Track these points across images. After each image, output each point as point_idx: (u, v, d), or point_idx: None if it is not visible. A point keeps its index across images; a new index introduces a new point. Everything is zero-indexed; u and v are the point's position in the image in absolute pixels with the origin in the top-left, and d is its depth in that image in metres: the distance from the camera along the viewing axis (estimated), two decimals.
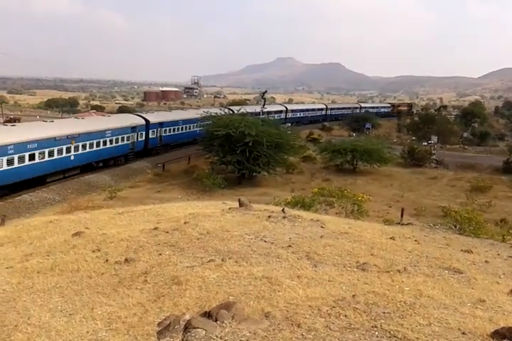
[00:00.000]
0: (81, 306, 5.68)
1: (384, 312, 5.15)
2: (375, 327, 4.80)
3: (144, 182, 35.21)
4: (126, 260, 7.19)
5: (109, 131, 35.24)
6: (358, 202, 20.81)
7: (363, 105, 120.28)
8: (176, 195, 28.26)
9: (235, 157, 33.34)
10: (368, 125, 77.26)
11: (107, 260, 7.33)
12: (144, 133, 42.09)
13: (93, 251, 7.87)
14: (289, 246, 7.72)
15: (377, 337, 4.63)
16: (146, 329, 4.89)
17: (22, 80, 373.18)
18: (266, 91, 68.20)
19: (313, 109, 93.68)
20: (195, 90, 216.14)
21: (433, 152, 49.21)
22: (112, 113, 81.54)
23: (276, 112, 74.58)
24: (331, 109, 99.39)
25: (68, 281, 6.60)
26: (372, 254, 7.75)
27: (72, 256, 7.71)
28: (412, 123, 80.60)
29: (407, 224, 15.65)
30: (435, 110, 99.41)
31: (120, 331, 4.90)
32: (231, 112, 46.43)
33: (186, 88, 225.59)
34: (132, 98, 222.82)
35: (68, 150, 31.27)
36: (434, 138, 55.65)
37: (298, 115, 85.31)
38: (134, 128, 40.56)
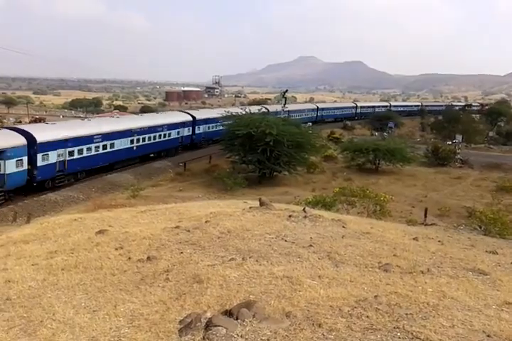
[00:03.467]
0: (104, 303, 5.77)
1: (406, 314, 5.09)
2: (398, 328, 4.74)
3: (166, 181, 35.57)
4: (148, 258, 7.28)
5: (165, 126, 40.09)
6: (380, 202, 20.56)
7: (393, 104, 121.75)
8: (197, 193, 28.44)
9: (256, 156, 33.35)
10: (391, 124, 76.32)
11: (129, 258, 7.43)
12: (190, 128, 47.26)
13: (116, 249, 7.98)
14: (310, 245, 7.69)
15: (399, 338, 4.58)
16: (168, 326, 4.94)
17: (47, 81, 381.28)
18: (287, 90, 68.09)
19: (344, 108, 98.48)
20: (216, 90, 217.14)
21: (457, 151, 48.25)
22: (134, 113, 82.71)
23: (308, 110, 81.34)
24: (361, 107, 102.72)
25: (92, 278, 6.71)
26: (394, 255, 7.65)
27: (95, 254, 7.84)
28: (436, 122, 79.23)
29: (431, 224, 15.43)
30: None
31: (142, 328, 4.96)
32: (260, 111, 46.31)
33: (207, 88, 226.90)
34: (154, 98, 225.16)
35: (132, 141, 37.45)
36: (459, 137, 54.57)
37: (329, 113, 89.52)
38: (183, 124, 46.07)
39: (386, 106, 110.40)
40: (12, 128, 30.13)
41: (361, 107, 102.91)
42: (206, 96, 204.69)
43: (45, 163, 28.52)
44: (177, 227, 9.12)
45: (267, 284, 5.93)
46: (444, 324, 4.85)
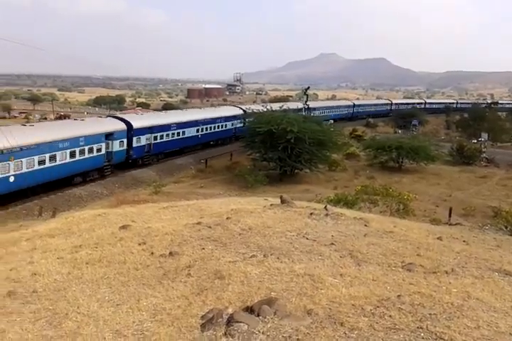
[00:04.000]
0: (127, 297, 5.86)
1: (430, 314, 5.01)
2: (421, 328, 4.68)
3: (188, 177, 35.85)
4: (170, 253, 7.35)
5: (222, 118, 44.75)
6: (403, 201, 20.24)
7: (428, 101, 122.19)
8: (218, 190, 28.57)
9: (277, 154, 33.27)
10: (414, 121, 75.22)
11: (152, 253, 7.52)
12: (242, 120, 49.00)
13: (139, 244, 8.08)
14: (332, 243, 7.64)
15: (422, 338, 4.52)
16: (190, 321, 4.98)
17: (71, 78, 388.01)
18: (308, 87, 67.77)
19: (379, 104, 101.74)
20: (237, 87, 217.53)
21: (483, 150, 47.23)
22: (156, 110, 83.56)
23: (344, 107, 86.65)
24: (396, 104, 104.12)
25: (115, 273, 6.82)
26: (418, 254, 7.54)
27: (119, 249, 7.95)
28: (462, 120, 77.69)
29: (456, 224, 15.14)
30: None
31: (165, 322, 5.02)
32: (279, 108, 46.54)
33: (229, 85, 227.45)
34: (176, 95, 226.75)
35: (197, 130, 44.46)
36: (485, 136, 53.32)
37: (365, 109, 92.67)
38: (235, 117, 50.31)
39: (421, 103, 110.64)
40: (115, 117, 38.72)
41: (396, 104, 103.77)
42: (227, 93, 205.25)
43: (138, 144, 36.26)
44: (199, 223, 9.18)
45: (288, 281, 5.93)
46: (468, 325, 4.77)
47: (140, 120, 37.88)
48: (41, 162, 26.33)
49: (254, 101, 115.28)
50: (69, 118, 73.22)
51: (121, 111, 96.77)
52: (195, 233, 8.51)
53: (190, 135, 43.39)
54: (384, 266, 6.81)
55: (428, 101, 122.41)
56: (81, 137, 29.94)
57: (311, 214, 9.70)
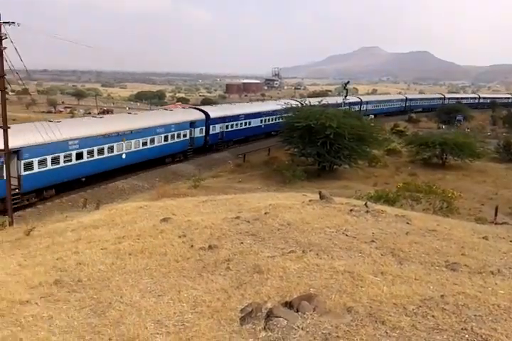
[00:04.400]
0: (168, 288, 5.98)
1: (475, 315, 4.85)
2: (465, 329, 4.54)
3: (226, 172, 36.17)
4: (209, 246, 7.44)
5: (282, 111, 44.90)
6: (447, 199, 19.59)
7: (482, 95, 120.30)
8: (256, 185, 28.62)
9: (315, 149, 32.93)
10: (459, 117, 72.83)
11: (192, 245, 7.63)
12: None
13: (179, 237, 8.22)
14: (372, 241, 7.51)
15: (467, 340, 4.38)
16: (229, 314, 5.03)
17: (114, 74, 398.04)
18: (348, 81, 66.75)
19: (431, 99, 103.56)
20: (275, 82, 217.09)
21: None
22: (196, 104, 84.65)
23: (397, 101, 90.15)
24: (449, 98, 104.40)
25: (157, 264, 6.97)
26: (462, 254, 7.30)
27: (160, 241, 8.11)
28: (509, 116, 74.43)
29: (502, 223, 14.61)
30: None
31: (205, 314, 5.09)
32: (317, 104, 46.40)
33: (267, 80, 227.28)
34: (215, 90, 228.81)
35: (261, 121, 49.92)
36: None
37: (417, 103, 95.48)
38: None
39: (475, 98, 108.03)
40: (196, 108, 46.25)
41: (449, 99, 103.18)
42: (266, 88, 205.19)
43: (213, 132, 42.47)
44: (237, 218, 9.24)
45: (327, 278, 5.88)
46: None
47: (215, 111, 43.98)
48: (144, 143, 33.24)
49: (293, 96, 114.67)
50: (112, 113, 75.27)
51: (161, 106, 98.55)
52: (234, 227, 8.57)
53: (256, 125, 48.65)
54: (427, 265, 6.64)
55: (482, 95, 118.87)
56: (172, 124, 36.51)
57: (351, 210, 9.56)
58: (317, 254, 6.79)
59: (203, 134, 41.06)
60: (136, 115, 37.43)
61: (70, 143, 26.84)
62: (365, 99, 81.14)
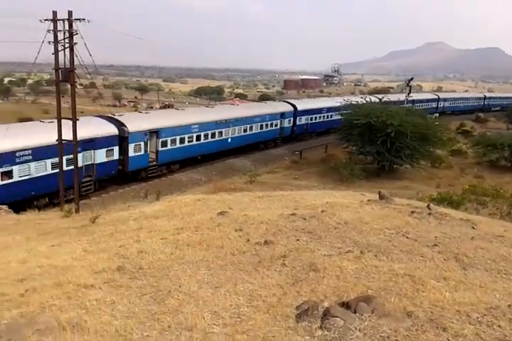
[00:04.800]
0: (225, 280, 6.07)
1: None
2: None
3: (282, 168, 36.19)
4: (265, 242, 7.47)
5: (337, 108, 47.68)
6: None
7: None
8: (312, 183, 28.40)
9: (375, 147, 32.13)
10: None
11: (248, 240, 7.70)
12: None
13: (236, 231, 8.32)
14: (435, 245, 7.22)
15: None
16: (285, 310, 5.03)
17: (176, 69, 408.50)
18: (412, 78, 64.36)
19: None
20: (334, 78, 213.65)
21: None
22: (253, 101, 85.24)
23: (475, 99, 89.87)
24: None
25: (214, 256, 7.09)
26: None
27: (217, 233, 8.25)
28: None
29: None
30: None
31: (260, 309, 5.12)
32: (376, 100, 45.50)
33: (326, 76, 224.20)
34: (273, 86, 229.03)
35: (328, 116, 52.16)
36: None
37: (496, 102, 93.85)
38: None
39: None
40: (285, 101, 50.72)
41: None
42: (324, 84, 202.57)
43: (300, 123, 47.82)
44: (293, 214, 9.21)
45: (386, 280, 5.73)
46: None
47: (302, 104, 49.32)
48: (245, 130, 39.40)
49: (353, 93, 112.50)
50: (172, 107, 77.39)
51: (219, 101, 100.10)
52: (290, 224, 8.55)
53: (336, 118, 48.54)
54: (493, 272, 6.30)
55: None
56: (267, 115, 42.36)
57: (412, 212, 9.24)
58: (376, 256, 6.64)
59: (291, 125, 46.39)
60: (238, 106, 45.56)
61: (193, 127, 33.44)
62: (442, 96, 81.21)
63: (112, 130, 27.04)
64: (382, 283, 5.61)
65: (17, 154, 21.85)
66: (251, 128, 40.19)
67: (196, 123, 33.61)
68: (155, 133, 29.90)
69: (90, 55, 20.51)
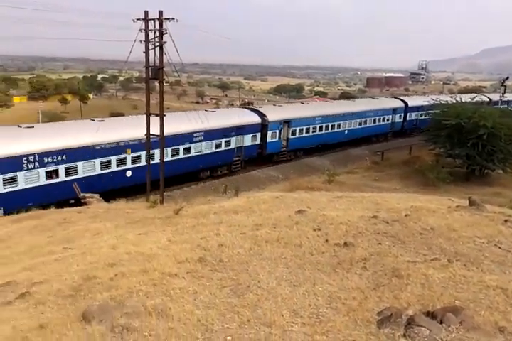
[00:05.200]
0: (304, 280, 6.05)
1: None
2: None
3: (361, 169, 35.25)
4: (345, 243, 7.34)
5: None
6: None
7: None
8: (394, 185, 27.35)
9: (465, 150, 30.12)
10: None
11: (326, 240, 7.61)
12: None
13: (314, 230, 8.26)
14: None
15: None
16: (366, 315, 4.91)
17: (256, 67, 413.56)
18: (507, 77, 59.76)
19: None
20: (421, 76, 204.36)
21: None
22: (334, 99, 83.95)
23: None
24: None
25: (292, 254, 7.10)
26: None
27: (295, 232, 8.25)
28: None
29: None
30: None
31: (340, 311, 5.05)
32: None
33: (412, 74, 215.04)
34: (355, 84, 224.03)
35: (417, 115, 51.46)
36: None
37: None
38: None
39: None
40: (396, 97, 54.95)
41: None
42: (410, 82, 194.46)
43: (410, 118, 49.94)
44: (374, 217, 8.96)
45: (476, 292, 5.39)
46: None
47: (412, 100, 51.46)
48: (360, 123, 43.10)
49: (441, 92, 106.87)
50: (252, 104, 78.57)
51: (299, 99, 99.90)
52: (371, 226, 8.33)
53: (426, 117, 49.95)
54: None
55: None
56: (379, 110, 45.66)
57: (506, 221, 8.60)
58: (464, 265, 6.26)
59: (401, 120, 48.94)
60: (354, 101, 49.57)
61: (317, 119, 38.28)
62: None
63: (256, 119, 33.27)
64: (471, 295, 5.29)
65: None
66: (365, 122, 43.93)
67: (320, 116, 38.61)
68: (287, 123, 35.54)
69: (178, 53, 21.39)
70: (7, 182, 20.10)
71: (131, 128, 24.40)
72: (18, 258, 9.81)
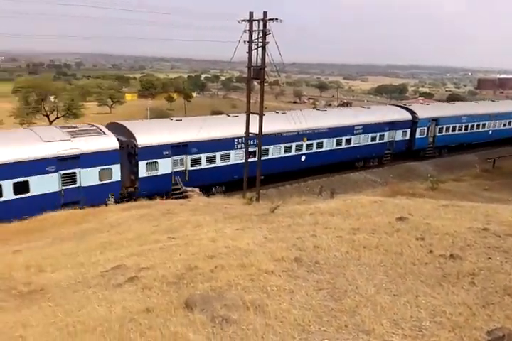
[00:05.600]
0: (405, 290, 5.81)
1: None
2: None
3: (469, 177, 32.87)
4: (451, 256, 6.92)
5: None
6: None
7: None
8: (506, 196, 24.94)
9: None
10: None
11: (430, 251, 7.23)
12: None
13: (417, 239, 7.89)
14: None
15: None
16: (474, 333, 4.59)
17: (357, 67, 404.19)
18: None
19: None
20: None
21: None
22: (440, 101, 79.28)
23: None
24: None
25: (392, 262, 6.84)
26: None
27: (395, 239, 7.94)
28: None
29: None
30: None
31: (445, 326, 4.77)
32: None
33: None
34: (464, 85, 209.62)
35: None
36: None
37: None
38: None
39: None
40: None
41: None
42: None
43: None
44: (485, 230, 8.33)
45: None
46: None
47: None
48: (504, 124, 44.56)
49: None
50: (351, 105, 77.04)
51: (401, 100, 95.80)
52: (481, 239, 7.75)
53: None
54: None
55: None
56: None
57: None
58: None
59: None
60: (498, 102, 50.97)
61: (463, 118, 40.58)
62: None
63: (408, 116, 36.49)
64: None
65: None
66: (509, 124, 45.77)
67: (466, 115, 40.86)
68: (435, 120, 38.31)
69: (280, 53, 21.68)
70: (225, 157, 26.04)
71: (307, 121, 28.41)
72: (127, 244, 10.63)
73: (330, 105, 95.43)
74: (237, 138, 26.02)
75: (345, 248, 7.64)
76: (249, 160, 23.14)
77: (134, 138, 23.34)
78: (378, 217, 10.04)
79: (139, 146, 23.06)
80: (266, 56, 21.27)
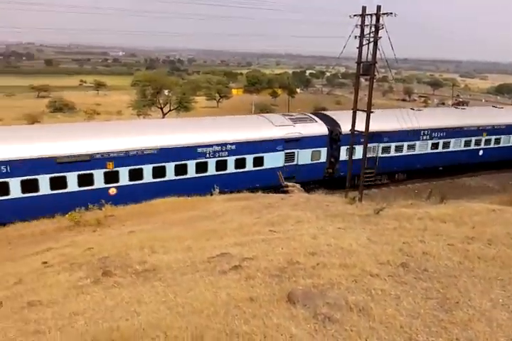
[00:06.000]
0: None
1: None
2: None
3: None
4: None
5: None
6: None
7: None
8: None
9: None
10: None
11: None
12: None
13: None
14: None
15: None
16: None
17: (476, 64, 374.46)
18: None
19: None
20: None
21: None
22: None
23: None
24: None
25: (511, 277, 6.29)
26: None
27: None
28: None
29: None
30: None
31: None
32: None
33: None
34: None
35: None
36: None
37: None
38: None
39: None
40: None
41: None
42: None
43: None
44: None
45: None
46: None
47: None
48: None
49: None
50: (467, 105, 71.74)
51: None
52: None
53: None
54: None
55: None
56: None
57: None
58: None
59: None
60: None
61: None
62: None
63: None
64: None
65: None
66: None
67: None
68: None
69: (393, 49, 20.83)
70: (411, 147, 28.22)
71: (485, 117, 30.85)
72: (231, 233, 11.01)
73: (443, 104, 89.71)
74: (423, 130, 28.59)
75: (457, 257, 7.19)
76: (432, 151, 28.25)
77: (339, 126, 26.60)
78: (496, 226, 9.27)
79: (343, 133, 25.95)
80: (377, 51, 20.60)
